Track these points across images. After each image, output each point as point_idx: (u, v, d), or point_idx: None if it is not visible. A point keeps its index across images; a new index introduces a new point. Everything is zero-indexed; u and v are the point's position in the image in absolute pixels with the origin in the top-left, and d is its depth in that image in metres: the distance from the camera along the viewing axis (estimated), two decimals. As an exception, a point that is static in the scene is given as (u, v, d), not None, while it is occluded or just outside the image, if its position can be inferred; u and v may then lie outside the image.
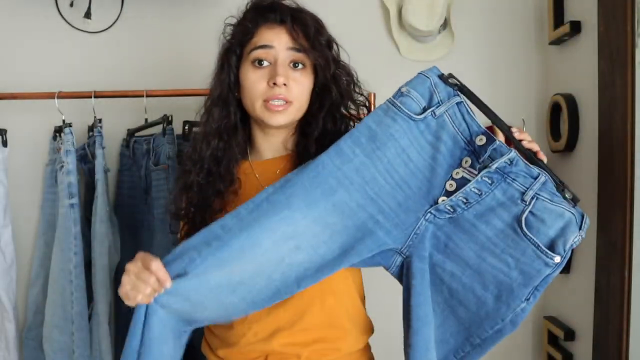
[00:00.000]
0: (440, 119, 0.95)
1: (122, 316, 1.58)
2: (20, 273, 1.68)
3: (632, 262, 1.30)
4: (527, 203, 0.92)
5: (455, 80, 0.96)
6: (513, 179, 0.93)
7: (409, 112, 0.95)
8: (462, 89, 0.96)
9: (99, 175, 1.53)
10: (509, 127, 0.97)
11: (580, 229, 0.92)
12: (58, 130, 1.61)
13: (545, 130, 1.72)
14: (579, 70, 1.56)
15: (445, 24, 1.77)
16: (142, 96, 1.58)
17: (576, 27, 1.55)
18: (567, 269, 1.61)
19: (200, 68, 1.75)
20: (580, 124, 1.56)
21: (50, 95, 1.56)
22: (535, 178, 0.93)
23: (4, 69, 1.72)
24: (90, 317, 1.53)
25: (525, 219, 0.92)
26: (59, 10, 1.73)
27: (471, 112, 0.96)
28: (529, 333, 1.82)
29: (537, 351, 1.81)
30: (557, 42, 1.66)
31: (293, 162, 1.10)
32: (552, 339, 1.69)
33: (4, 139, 1.66)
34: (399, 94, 0.96)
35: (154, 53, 1.75)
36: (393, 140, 0.95)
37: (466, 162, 0.95)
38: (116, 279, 1.55)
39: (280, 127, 1.09)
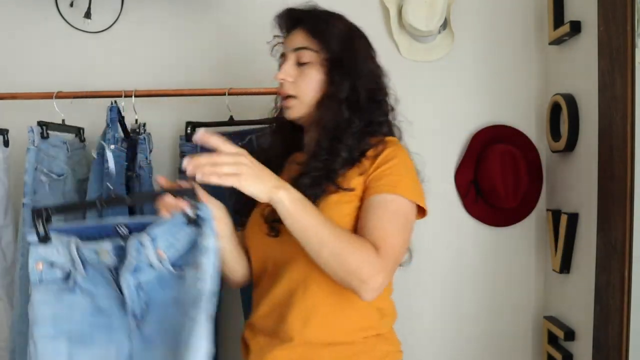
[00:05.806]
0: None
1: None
2: (20, 273, 1.68)
3: (632, 262, 1.30)
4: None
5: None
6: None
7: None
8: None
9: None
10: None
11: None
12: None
13: (545, 130, 1.72)
14: (579, 70, 1.56)
15: (445, 24, 1.77)
16: (142, 96, 1.58)
17: (576, 27, 1.55)
18: (567, 268, 1.61)
19: (200, 68, 1.76)
20: (580, 124, 1.56)
21: (49, 96, 1.56)
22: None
23: (4, 69, 1.72)
24: None
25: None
26: (59, 10, 1.74)
27: None
28: (529, 333, 1.82)
29: (537, 351, 1.81)
30: (557, 42, 1.66)
31: (308, 156, 1.14)
32: (552, 339, 1.69)
33: (6, 138, 1.66)
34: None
35: (153, 53, 1.75)
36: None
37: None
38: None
39: (296, 120, 1.17)
